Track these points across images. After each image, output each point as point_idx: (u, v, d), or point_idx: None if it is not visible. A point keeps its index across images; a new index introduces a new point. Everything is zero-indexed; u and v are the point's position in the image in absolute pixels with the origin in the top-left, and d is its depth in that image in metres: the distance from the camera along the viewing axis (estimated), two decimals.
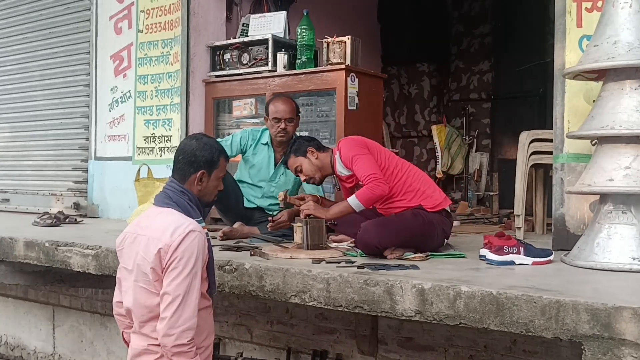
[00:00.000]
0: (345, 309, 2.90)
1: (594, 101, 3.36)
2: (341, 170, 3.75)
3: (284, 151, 4.41)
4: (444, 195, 3.74)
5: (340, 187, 4.00)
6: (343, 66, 4.83)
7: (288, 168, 3.99)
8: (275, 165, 4.45)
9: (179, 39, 5.47)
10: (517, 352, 3.48)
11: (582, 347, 2.31)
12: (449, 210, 3.74)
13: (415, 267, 3.09)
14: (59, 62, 6.55)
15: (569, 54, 3.64)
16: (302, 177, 3.87)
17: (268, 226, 4.07)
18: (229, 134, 5.14)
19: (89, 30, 6.23)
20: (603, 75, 3.25)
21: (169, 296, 2.37)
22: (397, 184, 3.65)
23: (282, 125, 4.29)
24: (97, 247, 3.92)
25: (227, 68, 5.49)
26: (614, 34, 3.12)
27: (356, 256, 3.45)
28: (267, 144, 4.43)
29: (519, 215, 4.33)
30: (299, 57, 5.07)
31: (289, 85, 5.09)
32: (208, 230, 2.67)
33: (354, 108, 4.84)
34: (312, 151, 3.80)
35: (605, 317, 2.25)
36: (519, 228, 4.31)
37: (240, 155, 4.53)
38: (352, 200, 3.53)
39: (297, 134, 4.65)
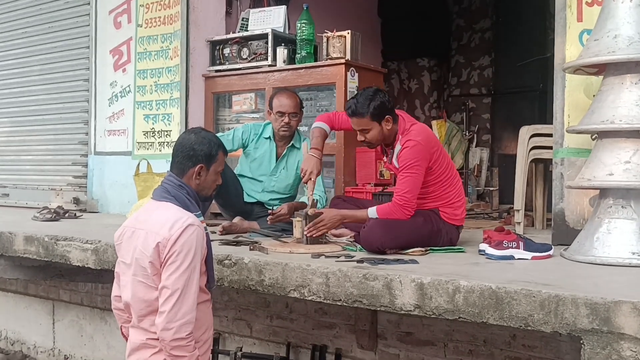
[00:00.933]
0: (345, 304, 2.90)
1: (594, 95, 3.35)
2: (395, 159, 3.55)
3: (287, 145, 4.41)
4: (464, 216, 3.67)
5: (383, 153, 3.77)
6: (343, 61, 4.83)
7: (351, 114, 3.55)
8: (277, 159, 4.44)
9: (179, 33, 5.46)
10: (516, 347, 3.47)
11: (581, 342, 2.30)
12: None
13: (415, 262, 3.08)
14: (59, 57, 6.54)
15: (570, 48, 3.63)
16: (361, 138, 3.59)
17: (268, 219, 4.07)
18: (228, 129, 5.14)
19: (89, 25, 6.22)
20: (603, 69, 3.24)
21: (168, 290, 2.36)
22: (440, 189, 3.55)
23: (286, 120, 4.29)
24: (97, 242, 3.92)
25: (227, 63, 5.48)
26: (615, 28, 3.11)
27: (355, 251, 3.44)
28: (269, 138, 4.43)
29: (518, 210, 4.32)
30: (299, 51, 5.07)
31: (288, 80, 5.08)
32: (207, 225, 2.67)
33: None
34: (389, 120, 3.51)
35: (605, 312, 2.25)
36: (519, 223, 4.30)
37: (240, 150, 4.53)
38: (372, 214, 3.42)
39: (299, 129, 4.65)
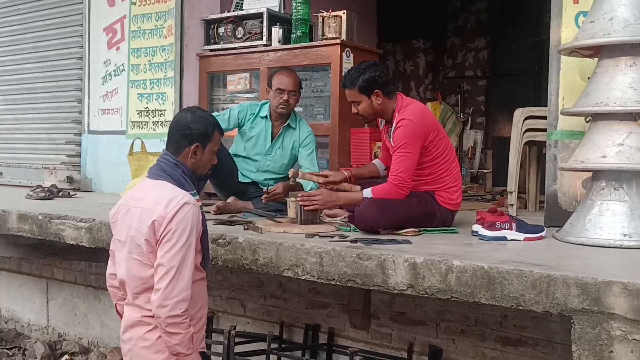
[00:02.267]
0: (338, 283, 2.92)
1: (589, 78, 3.35)
2: (391, 137, 3.54)
3: (282, 125, 4.40)
4: (460, 201, 3.67)
5: (387, 133, 3.72)
6: (338, 41, 4.82)
7: (342, 86, 3.66)
8: (272, 138, 4.44)
9: (173, 11, 5.42)
10: (507, 327, 3.52)
11: (572, 321, 2.33)
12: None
13: (408, 242, 3.10)
14: (52, 35, 6.49)
15: (565, 30, 3.63)
16: (354, 110, 3.63)
17: (263, 198, 4.08)
18: (223, 109, 5.13)
19: (82, 2, 6.17)
20: (598, 51, 3.24)
21: (163, 268, 2.37)
22: (436, 172, 3.56)
23: (285, 97, 4.28)
24: (91, 220, 3.92)
25: (222, 42, 5.45)
26: (610, 10, 3.10)
27: (349, 231, 3.46)
28: (266, 117, 4.42)
29: (511, 192, 4.35)
30: (294, 31, 5.04)
31: (283, 60, 5.06)
32: (202, 204, 2.68)
33: None
34: (379, 95, 3.51)
35: (595, 292, 2.27)
36: (512, 205, 4.33)
37: (236, 130, 4.52)
38: (367, 194, 3.44)
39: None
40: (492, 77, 8.18)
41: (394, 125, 3.53)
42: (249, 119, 4.44)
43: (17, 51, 6.82)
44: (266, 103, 4.43)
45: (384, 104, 3.55)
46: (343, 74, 4.72)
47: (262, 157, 4.46)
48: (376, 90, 3.52)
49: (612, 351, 2.24)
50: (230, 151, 4.53)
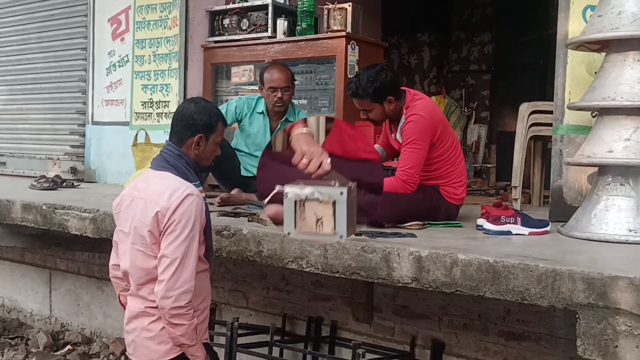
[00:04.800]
0: (343, 276, 2.91)
1: (595, 72, 3.33)
2: (398, 136, 3.53)
3: (280, 120, 4.37)
4: (464, 195, 3.65)
5: (390, 131, 3.68)
6: (343, 33, 4.80)
7: (352, 94, 3.51)
8: (272, 134, 4.41)
9: (178, 2, 5.41)
10: (510, 322, 3.51)
11: (577, 316, 2.32)
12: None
13: (413, 235, 3.09)
14: (56, 25, 6.47)
15: (573, 24, 3.60)
16: (364, 116, 3.56)
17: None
18: (227, 101, 5.12)
19: None
20: (606, 46, 3.22)
21: (167, 259, 2.37)
22: (442, 168, 3.53)
23: (279, 95, 4.23)
24: (95, 211, 3.91)
25: (226, 34, 5.44)
26: (619, 4, 3.08)
27: None
28: (262, 112, 4.37)
29: (516, 187, 4.33)
30: (299, 23, 5.02)
31: (288, 52, 5.04)
32: (205, 195, 2.67)
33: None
34: (391, 100, 3.46)
35: (601, 287, 2.26)
36: (516, 199, 4.32)
37: (236, 124, 4.49)
38: None
39: (295, 102, 4.62)
40: (497, 72, 8.16)
41: (402, 120, 3.49)
42: (247, 113, 4.38)
43: (22, 41, 6.81)
44: (262, 97, 4.38)
45: (395, 108, 3.51)
46: (348, 66, 4.73)
47: None
48: (389, 97, 3.47)
49: (617, 346, 2.24)
50: (232, 145, 4.50)
